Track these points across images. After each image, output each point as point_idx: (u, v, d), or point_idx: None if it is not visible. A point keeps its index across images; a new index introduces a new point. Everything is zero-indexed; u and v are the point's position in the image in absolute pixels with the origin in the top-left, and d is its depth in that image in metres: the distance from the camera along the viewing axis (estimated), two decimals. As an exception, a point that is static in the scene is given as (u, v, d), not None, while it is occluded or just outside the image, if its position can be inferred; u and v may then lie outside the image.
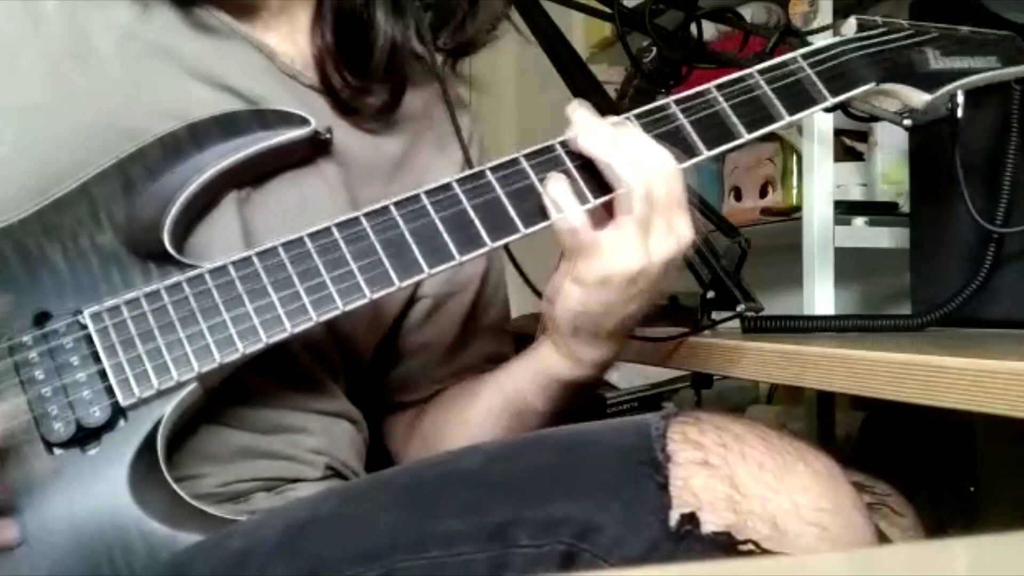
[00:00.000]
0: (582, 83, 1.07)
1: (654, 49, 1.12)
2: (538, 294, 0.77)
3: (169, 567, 0.60)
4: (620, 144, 0.69)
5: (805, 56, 0.77)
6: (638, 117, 0.73)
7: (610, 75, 1.73)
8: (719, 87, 0.75)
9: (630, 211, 0.68)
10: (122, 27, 0.73)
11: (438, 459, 0.64)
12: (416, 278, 0.68)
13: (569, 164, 0.71)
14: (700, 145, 0.73)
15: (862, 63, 0.78)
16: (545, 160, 0.71)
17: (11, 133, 0.69)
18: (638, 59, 1.13)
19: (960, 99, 0.87)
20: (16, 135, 0.70)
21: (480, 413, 0.82)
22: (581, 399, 0.80)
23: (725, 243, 0.99)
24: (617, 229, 0.68)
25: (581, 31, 1.99)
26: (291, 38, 0.79)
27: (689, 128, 0.73)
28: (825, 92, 0.76)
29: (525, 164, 0.70)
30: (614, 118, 0.72)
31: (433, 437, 0.85)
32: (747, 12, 1.33)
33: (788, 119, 0.75)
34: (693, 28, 1.12)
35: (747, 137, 0.75)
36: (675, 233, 0.69)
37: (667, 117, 0.73)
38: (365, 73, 0.78)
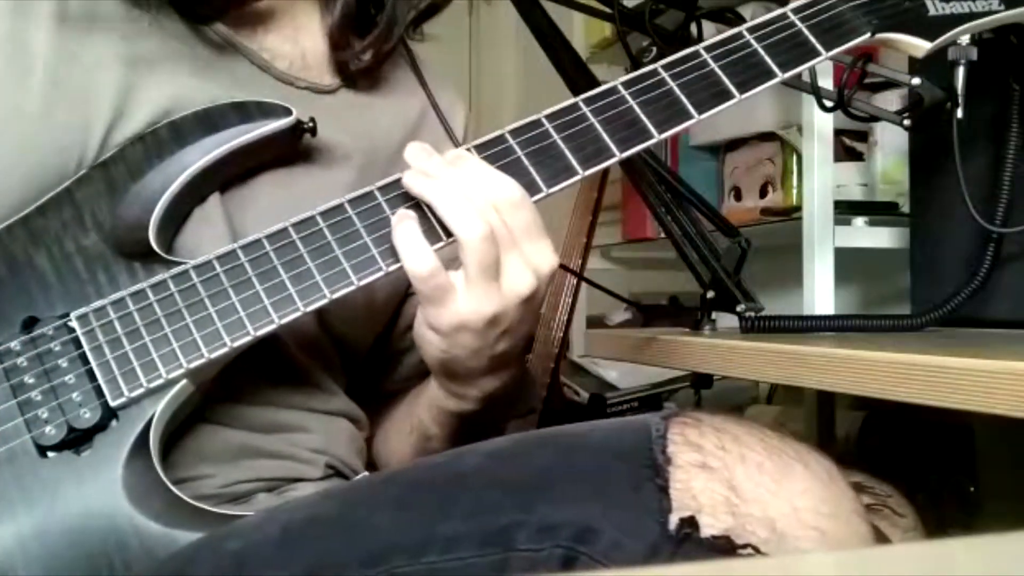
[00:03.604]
0: (582, 83, 1.07)
1: (654, 49, 1.12)
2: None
3: (168, 566, 0.60)
4: (453, 183, 0.66)
5: (796, 11, 0.75)
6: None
7: (610, 75, 1.72)
8: (708, 48, 0.73)
9: (474, 254, 0.65)
10: (119, 38, 0.73)
11: (437, 460, 0.64)
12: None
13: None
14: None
15: (856, 14, 0.76)
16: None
17: (5, 141, 0.69)
18: (638, 59, 1.13)
19: (961, 77, 0.86)
20: (10, 144, 0.69)
21: (397, 431, 0.84)
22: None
23: (725, 243, 0.99)
24: (465, 273, 0.65)
25: (581, 31, 1.99)
26: (293, 38, 0.80)
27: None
28: (819, 46, 0.74)
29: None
30: (452, 152, 0.69)
31: (380, 447, 0.87)
32: (747, 12, 1.33)
33: (781, 75, 0.73)
34: (693, 28, 1.12)
35: (740, 96, 0.72)
36: (531, 266, 0.66)
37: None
38: (371, 37, 0.79)
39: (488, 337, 0.68)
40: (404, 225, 0.66)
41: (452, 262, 0.73)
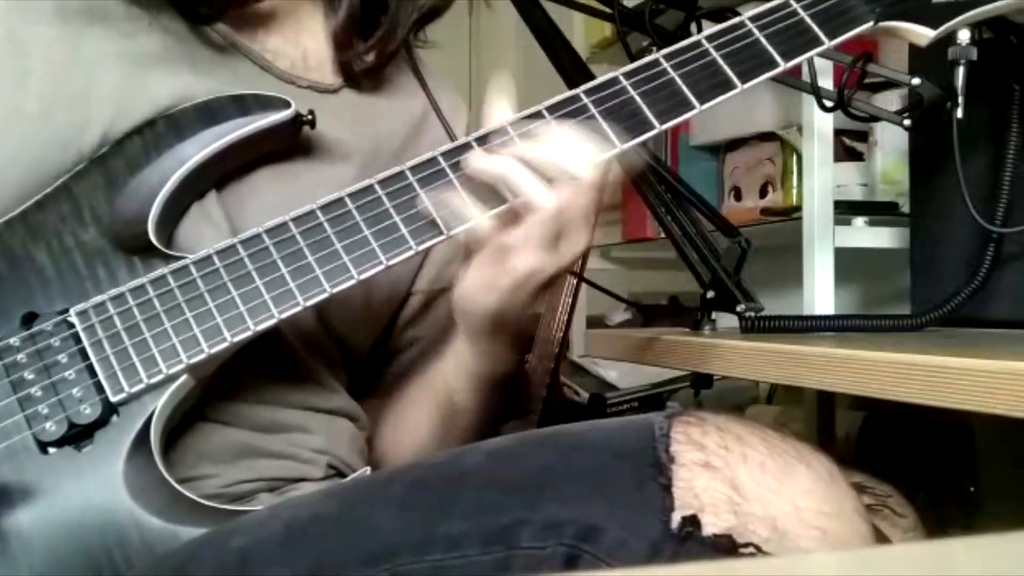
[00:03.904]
0: (582, 83, 1.07)
1: (654, 49, 1.12)
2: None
3: (171, 562, 0.60)
4: (527, 159, 0.67)
5: None
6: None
7: (610, 75, 1.73)
8: (709, 38, 0.73)
9: (541, 226, 0.66)
10: (120, 36, 0.73)
11: (440, 459, 0.64)
12: (403, 256, 0.67)
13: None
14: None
15: (859, 2, 0.75)
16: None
17: (5, 141, 0.69)
18: (638, 59, 1.13)
19: (961, 77, 0.86)
20: (10, 143, 0.70)
21: (416, 417, 0.83)
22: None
23: (725, 243, 0.99)
24: (528, 234, 0.67)
25: (581, 31, 1.99)
26: (294, 39, 0.80)
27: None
28: (821, 35, 0.73)
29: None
30: (520, 117, 0.70)
31: (378, 440, 0.86)
32: (747, 12, 1.33)
33: (784, 65, 0.72)
34: (693, 28, 1.12)
35: (742, 86, 0.72)
36: (587, 231, 0.68)
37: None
38: (375, 38, 0.80)
39: (537, 293, 0.69)
40: (455, 192, 0.67)
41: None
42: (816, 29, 0.73)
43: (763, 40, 0.72)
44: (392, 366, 0.87)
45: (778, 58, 0.72)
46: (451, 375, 0.79)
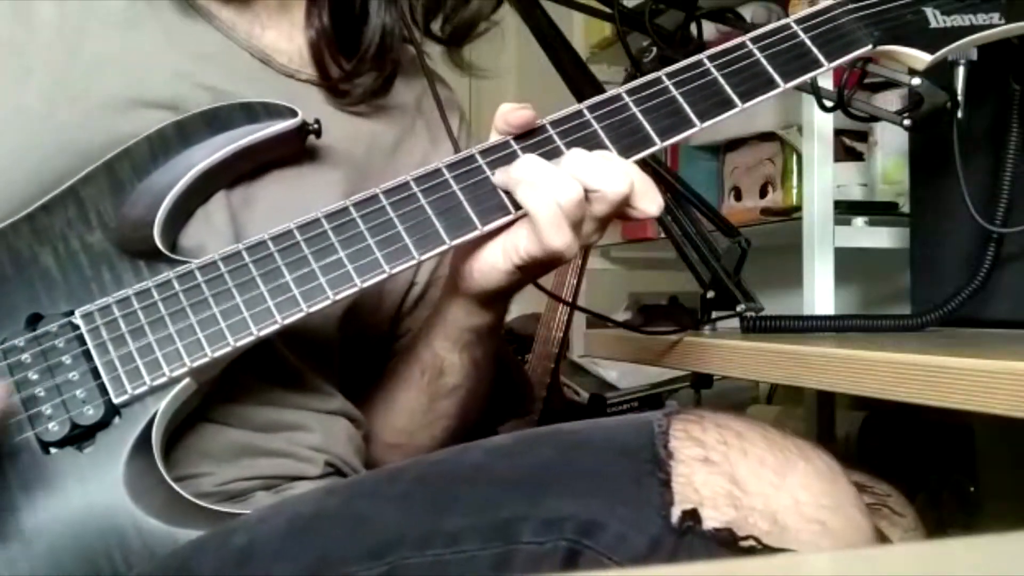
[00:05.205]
0: (582, 83, 1.07)
1: (654, 49, 1.12)
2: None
3: (172, 562, 0.61)
4: (545, 189, 0.68)
5: (799, 21, 0.76)
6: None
7: (610, 75, 1.73)
8: (711, 57, 0.74)
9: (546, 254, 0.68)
10: (119, 33, 0.73)
11: (441, 456, 0.64)
12: (406, 265, 0.68)
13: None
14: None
15: (858, 25, 0.76)
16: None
17: (8, 141, 0.70)
18: (638, 59, 1.13)
19: (961, 77, 0.86)
20: (13, 143, 0.70)
21: (403, 387, 0.83)
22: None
23: (725, 243, 0.99)
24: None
25: (581, 31, 1.99)
26: (288, 35, 0.81)
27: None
28: (821, 57, 0.74)
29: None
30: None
31: (371, 422, 0.85)
32: (747, 12, 1.33)
33: (784, 85, 0.74)
34: (693, 28, 1.12)
35: (743, 105, 0.73)
36: (582, 240, 0.70)
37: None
38: (357, 57, 0.80)
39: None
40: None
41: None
42: (816, 52, 0.75)
43: (764, 61, 0.74)
44: (387, 356, 0.87)
45: (778, 79, 0.74)
46: (435, 335, 0.79)
